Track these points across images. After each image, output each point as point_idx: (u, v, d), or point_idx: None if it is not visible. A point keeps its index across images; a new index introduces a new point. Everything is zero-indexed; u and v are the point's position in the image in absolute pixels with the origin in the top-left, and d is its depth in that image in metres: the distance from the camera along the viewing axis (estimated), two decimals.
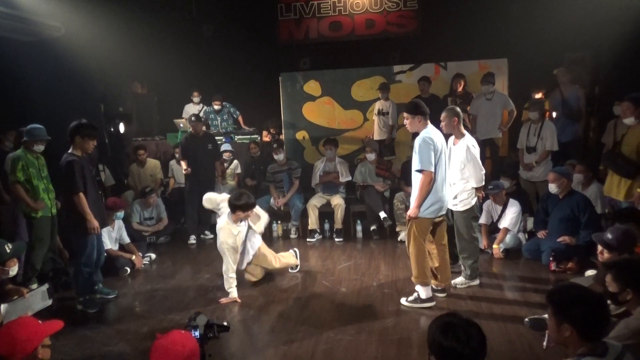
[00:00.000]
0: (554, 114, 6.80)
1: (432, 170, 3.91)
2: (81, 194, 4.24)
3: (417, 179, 4.00)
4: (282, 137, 8.21)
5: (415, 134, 4.16)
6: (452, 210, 4.47)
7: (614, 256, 3.38)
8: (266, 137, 8.10)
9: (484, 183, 4.42)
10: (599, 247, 3.56)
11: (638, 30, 6.11)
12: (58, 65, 6.89)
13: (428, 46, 8.29)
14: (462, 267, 4.59)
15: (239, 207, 4.45)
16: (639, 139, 4.38)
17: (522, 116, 7.18)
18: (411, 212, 4.03)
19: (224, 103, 8.36)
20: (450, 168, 4.31)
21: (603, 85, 7.41)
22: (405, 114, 4.10)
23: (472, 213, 4.45)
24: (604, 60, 7.29)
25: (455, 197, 4.37)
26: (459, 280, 4.57)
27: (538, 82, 7.16)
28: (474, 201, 4.40)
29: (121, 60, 7.75)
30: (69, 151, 4.34)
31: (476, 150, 4.30)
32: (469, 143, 4.28)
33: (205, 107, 8.44)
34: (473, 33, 7.84)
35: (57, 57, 6.91)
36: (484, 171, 4.37)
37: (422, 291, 4.14)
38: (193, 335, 2.24)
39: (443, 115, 4.33)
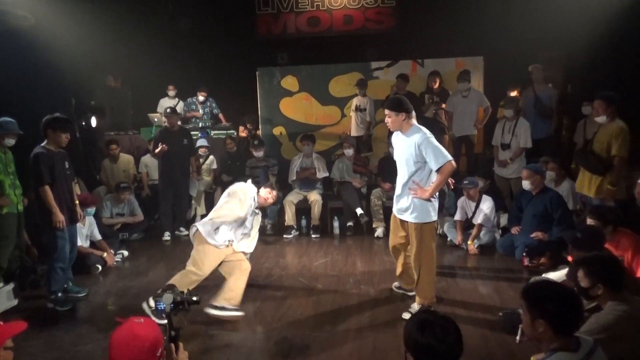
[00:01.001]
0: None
1: (451, 158, 3.66)
2: (46, 187, 4.18)
3: (423, 180, 3.76)
4: (259, 132, 8.14)
5: (391, 133, 4.05)
6: None
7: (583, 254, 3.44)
8: (243, 133, 8.02)
9: None
10: (570, 246, 3.63)
11: (609, 31, 6.24)
12: (27, 57, 6.64)
13: (405, 43, 8.34)
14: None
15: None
16: (609, 137, 4.46)
17: (497, 113, 7.27)
18: (424, 194, 3.70)
19: (209, 98, 8.28)
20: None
21: (575, 84, 7.57)
22: (387, 111, 3.78)
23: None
24: (577, 60, 7.43)
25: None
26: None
27: (513, 80, 7.27)
28: None
29: (94, 52, 7.55)
30: (41, 144, 4.29)
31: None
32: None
33: (188, 99, 8.33)
34: (450, 31, 7.90)
35: (25, 48, 6.66)
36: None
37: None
38: (159, 309, 2.16)
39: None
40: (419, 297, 3.93)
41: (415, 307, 3.92)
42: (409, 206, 3.81)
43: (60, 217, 4.21)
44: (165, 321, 2.20)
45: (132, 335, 1.81)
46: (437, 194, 3.79)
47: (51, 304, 4.33)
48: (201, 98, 8.21)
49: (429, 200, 3.74)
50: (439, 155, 3.61)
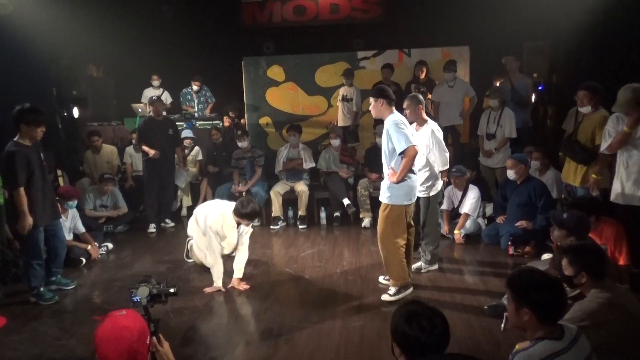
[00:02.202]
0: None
1: (415, 144, 3.82)
2: (21, 190, 3.96)
3: (397, 165, 3.87)
4: (244, 121, 8.05)
5: (378, 121, 4.14)
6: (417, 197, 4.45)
7: (566, 236, 3.48)
8: (227, 122, 7.92)
9: (448, 166, 4.51)
10: (553, 228, 3.66)
11: (595, 21, 6.27)
12: (5, 45, 6.47)
13: (392, 33, 8.30)
14: (422, 253, 4.64)
15: (245, 215, 4.24)
16: (594, 127, 4.50)
17: (483, 103, 7.29)
18: (392, 177, 3.86)
19: (203, 86, 8.21)
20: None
21: (560, 74, 7.61)
22: (370, 99, 4.03)
23: (439, 198, 4.60)
24: (562, 50, 7.47)
25: (423, 184, 4.38)
26: (418, 265, 4.62)
27: (499, 70, 7.28)
28: (440, 185, 4.51)
29: (75, 41, 7.38)
30: (15, 139, 4.04)
31: (440, 134, 4.41)
32: (433, 127, 4.36)
33: (183, 89, 8.25)
34: (436, 20, 7.89)
35: (4, 37, 6.49)
36: (448, 153, 4.48)
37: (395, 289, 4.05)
38: (134, 301, 2.11)
39: (407, 103, 4.35)
40: (391, 278, 4.07)
41: (392, 290, 4.03)
42: (385, 190, 3.97)
43: (27, 223, 3.99)
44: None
45: (118, 328, 1.76)
46: (410, 182, 3.89)
47: (34, 298, 4.25)
48: (195, 87, 8.17)
49: (400, 184, 3.84)
50: (401, 140, 3.74)
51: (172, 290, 2.21)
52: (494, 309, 3.62)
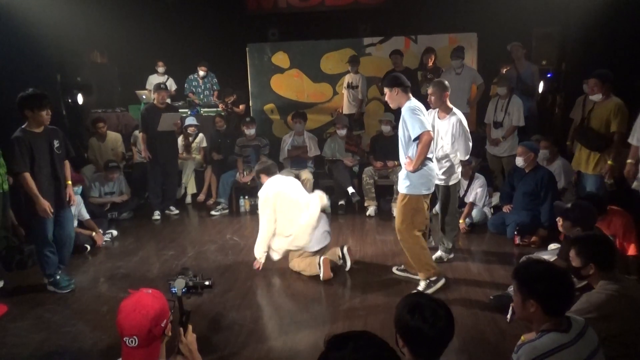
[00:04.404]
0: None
1: (430, 129, 3.69)
2: (26, 175, 3.88)
3: (414, 153, 3.75)
4: (242, 107, 7.91)
5: (388, 108, 4.04)
6: (437, 186, 4.36)
7: (571, 227, 3.43)
8: (221, 107, 7.79)
9: (469, 155, 4.44)
10: (559, 219, 3.61)
11: (605, 7, 6.13)
12: (9, 31, 6.42)
13: (399, 19, 8.18)
14: (442, 242, 4.59)
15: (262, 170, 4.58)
16: (608, 114, 4.46)
17: (490, 91, 7.19)
18: (409, 166, 3.76)
19: (209, 72, 8.15)
20: (436, 143, 4.22)
21: (570, 61, 7.48)
22: (384, 89, 3.89)
23: (458, 186, 4.58)
24: (571, 37, 7.33)
25: (445, 172, 4.31)
26: (438, 255, 4.57)
27: (506, 57, 7.17)
28: (459, 174, 4.48)
29: (79, 27, 7.36)
30: (22, 126, 3.98)
31: (465, 123, 4.27)
32: (460, 117, 4.22)
33: (190, 76, 8.18)
34: (443, 6, 7.75)
35: (7, 22, 6.45)
36: (471, 142, 4.33)
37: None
38: (172, 292, 2.23)
39: (432, 89, 4.22)
40: (421, 272, 3.94)
41: (422, 285, 3.93)
42: (403, 179, 3.86)
43: (44, 206, 3.93)
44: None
45: (138, 303, 1.87)
46: (428, 170, 3.78)
47: (51, 287, 4.21)
48: (202, 73, 8.10)
49: (418, 173, 3.74)
50: (415, 126, 3.63)
51: (207, 283, 2.32)
52: (499, 300, 3.59)
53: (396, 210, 3.95)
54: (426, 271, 3.90)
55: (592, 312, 2.41)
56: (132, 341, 1.81)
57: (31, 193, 3.91)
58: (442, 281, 3.94)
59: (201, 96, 8.19)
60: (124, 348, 1.85)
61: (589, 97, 4.81)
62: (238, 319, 3.63)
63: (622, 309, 2.43)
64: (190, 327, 2.10)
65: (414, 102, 3.79)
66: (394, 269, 4.37)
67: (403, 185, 3.86)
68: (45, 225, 4.08)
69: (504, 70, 7.14)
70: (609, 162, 4.39)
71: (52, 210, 4.01)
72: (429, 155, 3.81)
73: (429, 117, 3.92)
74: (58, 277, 4.22)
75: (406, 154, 3.83)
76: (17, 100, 3.94)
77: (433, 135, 3.72)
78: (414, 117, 3.66)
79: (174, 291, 2.24)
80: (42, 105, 3.95)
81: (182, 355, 2.03)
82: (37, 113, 3.94)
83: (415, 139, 3.67)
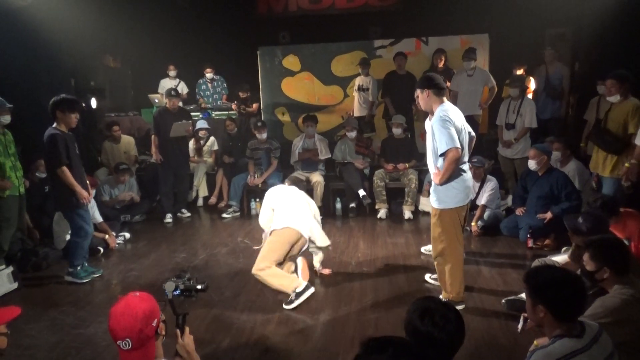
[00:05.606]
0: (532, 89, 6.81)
1: (458, 145, 3.35)
2: (65, 168, 4.25)
3: (441, 163, 3.49)
4: (256, 106, 7.93)
5: (427, 112, 3.75)
6: None
7: (583, 241, 3.37)
8: (234, 107, 7.84)
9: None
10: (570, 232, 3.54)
11: (618, 6, 6.06)
12: (24, 36, 6.53)
13: (409, 21, 8.16)
14: None
15: None
16: (625, 116, 4.37)
17: (502, 92, 7.14)
18: (436, 178, 3.53)
19: (219, 77, 8.22)
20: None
21: (583, 62, 7.40)
22: (417, 90, 3.57)
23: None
24: (585, 37, 7.26)
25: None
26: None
27: (519, 58, 7.12)
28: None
29: (92, 32, 7.42)
30: (53, 126, 4.32)
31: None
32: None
33: (199, 80, 8.24)
34: (454, 8, 7.73)
35: (23, 28, 6.55)
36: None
37: None
38: (165, 294, 2.31)
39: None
40: (444, 290, 3.73)
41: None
42: (432, 193, 3.64)
43: (85, 194, 4.34)
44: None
45: (126, 306, 1.91)
46: (459, 182, 3.51)
47: (69, 277, 4.46)
48: (209, 75, 8.14)
49: (445, 187, 3.50)
50: (443, 140, 3.36)
51: (199, 287, 2.37)
52: (512, 304, 3.55)
53: (431, 227, 3.72)
54: (456, 294, 3.65)
55: (606, 316, 2.38)
56: (125, 344, 1.85)
57: (71, 184, 4.28)
58: (462, 307, 3.61)
59: (210, 100, 8.22)
60: (120, 353, 1.88)
61: (603, 98, 4.74)
62: (249, 322, 3.64)
63: (638, 313, 2.39)
64: (187, 328, 2.12)
65: (446, 108, 3.46)
66: (427, 277, 4.20)
67: (433, 199, 3.63)
68: (84, 217, 4.46)
69: (517, 71, 7.08)
70: (627, 164, 4.32)
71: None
72: (463, 167, 3.54)
73: (459, 120, 3.54)
74: (79, 268, 4.48)
75: (435, 165, 3.59)
76: (50, 102, 4.31)
77: (460, 152, 3.40)
78: (443, 130, 3.35)
79: (166, 292, 2.33)
80: (73, 108, 4.34)
81: (180, 356, 2.05)
82: (67, 115, 4.31)
83: (441, 154, 3.44)
